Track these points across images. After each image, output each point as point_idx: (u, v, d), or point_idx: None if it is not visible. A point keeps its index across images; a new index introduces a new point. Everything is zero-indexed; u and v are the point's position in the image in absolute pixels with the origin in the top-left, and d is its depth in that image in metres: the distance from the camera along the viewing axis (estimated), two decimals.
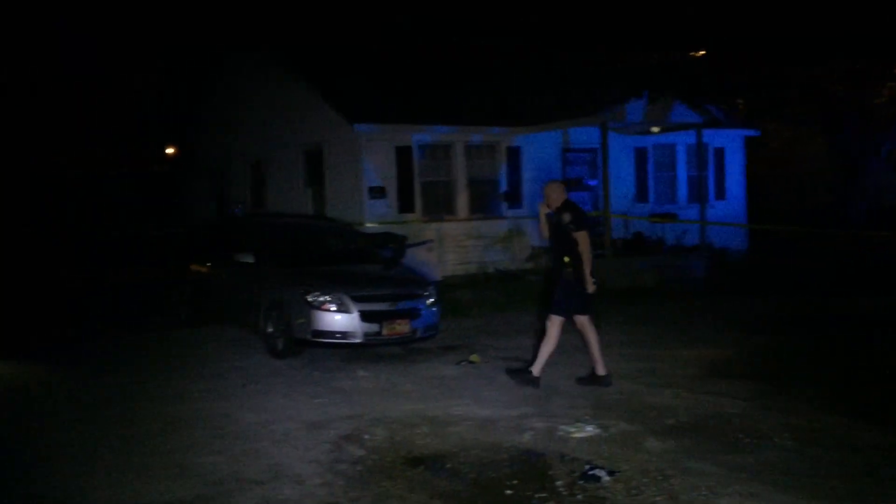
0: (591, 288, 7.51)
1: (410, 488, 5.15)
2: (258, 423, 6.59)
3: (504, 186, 16.30)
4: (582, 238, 7.46)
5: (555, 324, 7.60)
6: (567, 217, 7.54)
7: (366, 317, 8.68)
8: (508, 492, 5.06)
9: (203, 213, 20.93)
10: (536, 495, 4.96)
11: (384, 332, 8.76)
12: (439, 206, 15.63)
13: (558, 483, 5.16)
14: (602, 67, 19.61)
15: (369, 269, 10.11)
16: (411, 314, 8.97)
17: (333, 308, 8.67)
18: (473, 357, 8.86)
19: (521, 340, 9.83)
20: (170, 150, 29.16)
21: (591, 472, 5.26)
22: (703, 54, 23.31)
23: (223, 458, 5.74)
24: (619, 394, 7.39)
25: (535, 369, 7.60)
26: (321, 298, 8.70)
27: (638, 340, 9.86)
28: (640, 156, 18.22)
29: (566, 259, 7.51)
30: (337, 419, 6.67)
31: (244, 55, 18.55)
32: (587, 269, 7.46)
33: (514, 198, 16.33)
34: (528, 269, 15.54)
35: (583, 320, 7.63)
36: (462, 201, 15.83)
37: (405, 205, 15.15)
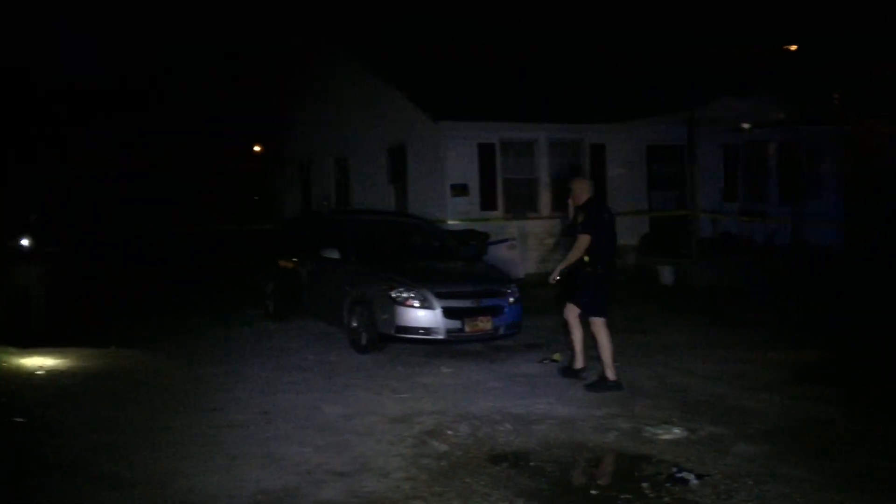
0: (551, 279, 7.67)
1: (493, 485, 5.14)
2: (343, 416, 6.70)
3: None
4: (582, 240, 7.43)
5: (598, 326, 7.49)
6: (580, 217, 7.54)
7: (449, 313, 8.72)
8: (593, 492, 5.01)
9: (290, 210, 21.42)
10: (622, 496, 4.89)
11: (467, 328, 8.78)
12: (522, 204, 15.57)
13: (644, 485, 5.07)
14: (691, 62, 19.15)
15: (452, 266, 10.16)
16: (494, 311, 8.96)
17: (417, 304, 8.73)
18: (556, 355, 8.79)
19: None
20: (257, 148, 30.01)
21: (678, 475, 5.16)
22: (795, 49, 22.51)
23: (309, 449, 5.85)
24: (707, 396, 7.22)
25: (609, 374, 7.45)
26: (405, 295, 8.77)
27: (725, 342, 9.61)
28: (730, 153, 17.68)
29: (585, 258, 7.48)
30: (420, 414, 6.71)
31: (331, 54, 18.90)
32: (564, 264, 7.56)
33: (597, 195, 16.10)
34: (614, 268, 15.30)
35: (593, 321, 7.54)
36: (544, 199, 15.73)
37: (487, 202, 15.16)
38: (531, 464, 5.54)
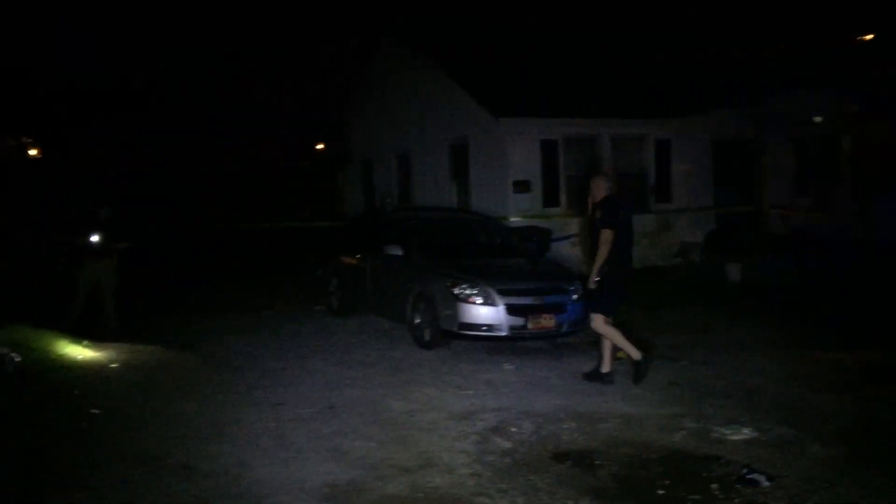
0: (591, 283, 7.52)
1: (558, 483, 5.12)
2: (406, 412, 6.74)
3: (652, 180, 15.88)
4: (606, 234, 7.39)
5: (598, 322, 7.53)
6: (598, 213, 7.53)
7: (511, 310, 8.69)
8: (660, 492, 4.94)
9: (352, 207, 21.65)
10: (690, 497, 4.82)
11: (529, 325, 8.75)
12: (584, 200, 15.35)
13: (713, 486, 4.98)
14: (758, 56, 18.68)
15: (515, 262, 10.12)
16: (557, 309, 8.90)
17: (480, 301, 8.73)
18: (620, 353, 8.65)
19: (666, 337, 9.57)
20: (320, 146, 30.42)
21: (748, 476, 5.05)
22: (870, 38, 21.75)
23: (374, 443, 5.90)
24: (777, 396, 7.05)
25: (604, 367, 7.57)
26: (468, 291, 8.78)
27: (794, 341, 9.34)
28: (800, 147, 17.19)
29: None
30: (484, 411, 6.71)
31: (392, 52, 19.01)
32: (597, 265, 7.46)
33: (662, 192, 15.87)
34: (677, 265, 15.07)
35: (594, 317, 7.57)
36: None
37: (550, 199, 15.06)
38: (596, 462, 5.49)
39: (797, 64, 17.64)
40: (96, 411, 6.71)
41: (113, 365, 8.62)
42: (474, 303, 8.74)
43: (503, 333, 8.73)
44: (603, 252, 7.43)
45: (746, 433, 5.96)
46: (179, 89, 28.77)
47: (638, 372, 7.49)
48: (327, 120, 25.25)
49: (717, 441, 5.87)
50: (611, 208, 7.54)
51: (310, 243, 17.44)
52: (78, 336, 9.63)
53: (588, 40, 18.08)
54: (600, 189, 7.68)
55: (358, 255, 11.20)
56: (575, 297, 9.10)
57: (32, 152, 34.25)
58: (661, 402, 6.95)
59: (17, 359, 7.37)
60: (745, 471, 5.14)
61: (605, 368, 7.59)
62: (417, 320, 9.36)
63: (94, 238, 10.06)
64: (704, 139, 16.16)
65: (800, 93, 14.30)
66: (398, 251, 9.90)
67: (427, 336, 9.21)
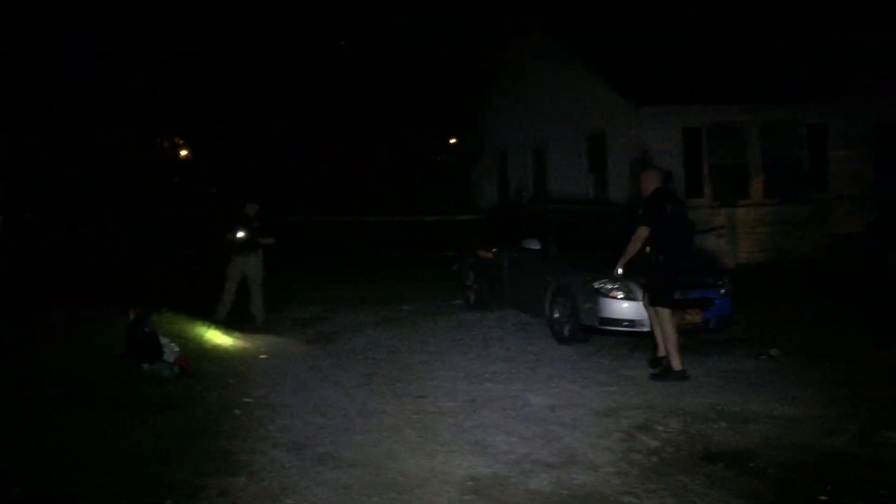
0: (615, 273, 7.83)
1: (709, 485, 4.91)
2: (548, 407, 6.66)
3: (804, 167, 15.02)
4: (639, 231, 7.49)
5: (663, 316, 7.53)
6: (641, 210, 7.59)
7: None
8: (822, 497, 4.65)
9: (487, 201, 21.69)
10: None
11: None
12: (730, 190, 14.74)
13: (882, 492, 4.64)
14: None
15: None
16: (703, 304, 8.55)
17: (621, 296, 8.50)
18: (773, 351, 8.27)
19: (821, 334, 9.04)
20: (453, 140, 30.71)
21: None
22: None
23: (516, 438, 5.87)
24: None
25: (675, 364, 7.41)
26: (609, 286, 8.57)
27: None
28: None
29: (647, 249, 7.52)
30: (628, 408, 6.54)
31: (527, 42, 18.88)
32: (625, 258, 7.63)
33: (816, 180, 14.98)
34: (833, 257, 14.18)
35: (660, 311, 7.54)
36: (756, 184, 14.81)
37: (693, 189, 14.49)
38: (750, 465, 5.23)
39: None
40: (249, 400, 7.01)
41: (262, 356, 9.00)
42: (615, 297, 8.51)
43: (646, 329, 8.44)
44: (632, 248, 7.55)
45: None
46: (314, 83, 29.73)
47: (663, 373, 7.44)
48: (461, 113, 25.41)
49: (883, 444, 5.49)
50: (653, 204, 7.55)
51: (445, 237, 17.62)
52: (228, 328, 10.12)
53: (733, 20, 17.24)
54: (648, 184, 7.71)
55: (494, 249, 11.16)
56: (723, 291, 8.72)
57: (183, 153, 36.51)
58: (819, 402, 6.55)
59: (176, 349, 7.80)
60: None
61: (676, 365, 7.46)
62: (556, 315, 9.23)
63: (241, 234, 10.51)
64: (864, 123, 15.10)
65: None
66: (535, 244, 9.79)
67: (566, 331, 9.07)
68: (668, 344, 7.48)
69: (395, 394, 7.21)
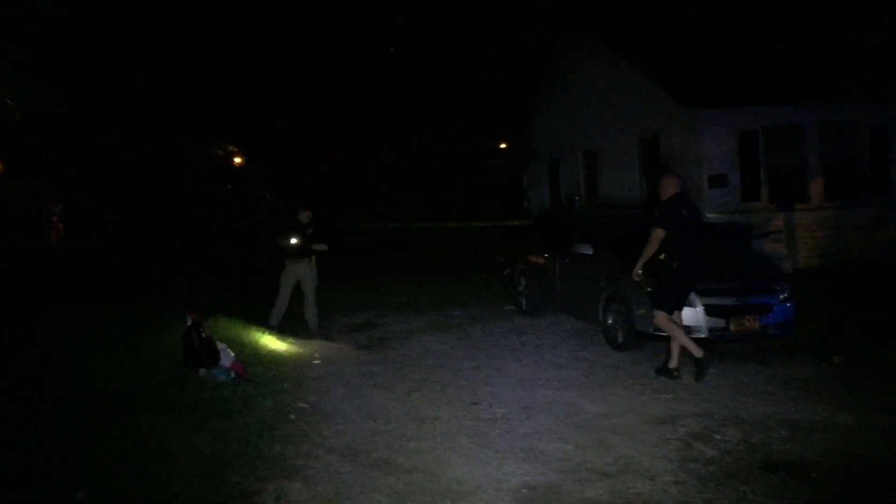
0: (634, 276, 7.85)
1: (770, 495, 4.81)
2: (602, 415, 6.59)
3: (865, 169, 14.62)
4: (655, 233, 7.53)
5: (661, 320, 7.65)
6: (657, 213, 7.66)
7: (711, 311, 8.25)
8: None
9: (538, 205, 21.60)
10: None
11: (731, 327, 8.27)
12: (788, 194, 14.43)
13: None
14: None
15: (715, 261, 9.61)
16: (762, 310, 8.36)
17: None
18: (835, 358, 8.05)
19: (884, 341, 8.78)
20: (503, 146, 30.66)
21: None
22: None
23: (570, 446, 5.81)
24: None
25: (671, 363, 7.69)
26: None
27: None
28: None
29: (661, 256, 7.57)
30: (685, 416, 6.43)
31: (577, 46, 18.76)
32: (641, 261, 7.68)
33: (877, 182, 14.57)
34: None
35: (656, 314, 7.70)
36: (815, 187, 14.49)
37: (750, 193, 14.24)
38: (812, 475, 5.10)
39: None
40: (304, 405, 7.06)
41: (315, 361, 9.06)
42: None
43: (702, 335, 8.29)
44: (648, 250, 7.60)
45: None
46: (362, 87, 30.03)
47: (700, 370, 7.49)
48: (512, 118, 25.34)
49: None
50: (669, 208, 7.61)
51: (497, 242, 17.57)
52: (282, 333, 10.23)
53: (783, 22, 16.87)
54: (667, 189, 7.74)
55: (546, 255, 11.09)
56: (782, 296, 8.52)
57: (237, 160, 37.15)
58: (882, 410, 6.38)
59: (232, 354, 7.90)
60: None
61: (673, 364, 7.70)
62: (610, 321, 9.13)
63: (294, 241, 10.60)
64: None
65: None
66: (588, 250, 9.70)
67: (620, 337, 8.96)
68: (673, 344, 7.71)
69: (448, 400, 7.20)
